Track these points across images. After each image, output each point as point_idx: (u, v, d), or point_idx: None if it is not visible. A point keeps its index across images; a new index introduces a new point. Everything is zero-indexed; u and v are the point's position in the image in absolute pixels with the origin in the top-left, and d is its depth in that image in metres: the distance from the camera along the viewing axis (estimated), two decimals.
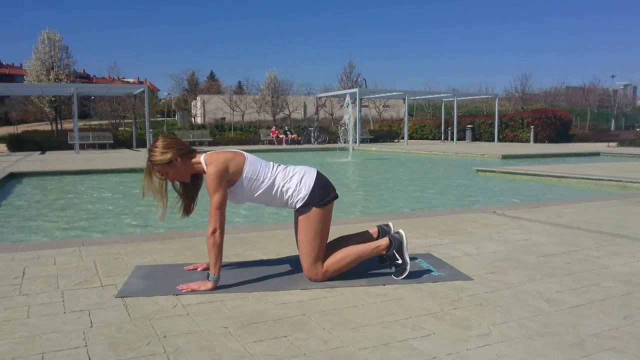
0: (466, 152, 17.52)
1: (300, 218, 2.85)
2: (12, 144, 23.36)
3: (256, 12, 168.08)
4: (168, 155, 2.76)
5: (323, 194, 2.85)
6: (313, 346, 2.02)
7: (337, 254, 2.86)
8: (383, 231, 3.13)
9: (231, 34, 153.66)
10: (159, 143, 2.81)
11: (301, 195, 2.82)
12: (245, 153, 2.90)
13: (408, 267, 2.87)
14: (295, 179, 2.85)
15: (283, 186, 2.84)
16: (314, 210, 2.81)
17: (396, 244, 2.88)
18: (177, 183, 2.94)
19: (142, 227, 5.70)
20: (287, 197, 2.85)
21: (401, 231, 2.94)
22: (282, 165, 2.94)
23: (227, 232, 2.86)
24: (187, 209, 2.98)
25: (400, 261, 2.87)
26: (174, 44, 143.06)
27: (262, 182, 2.82)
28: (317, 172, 2.94)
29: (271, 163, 2.93)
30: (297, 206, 2.85)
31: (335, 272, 2.85)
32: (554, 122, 27.86)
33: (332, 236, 3.03)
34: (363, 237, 3.12)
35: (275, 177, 2.85)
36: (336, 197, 2.93)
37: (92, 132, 26.58)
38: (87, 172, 11.92)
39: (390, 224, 3.18)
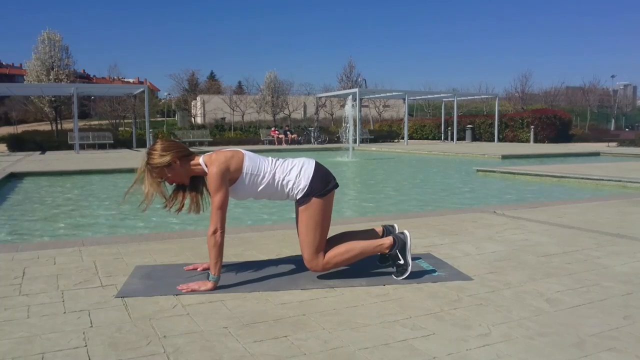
0: (466, 152, 17.51)
1: (301, 209, 2.85)
2: (12, 144, 23.35)
3: (256, 12, 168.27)
4: (167, 158, 2.76)
5: (323, 183, 2.85)
6: (313, 346, 2.02)
7: (340, 247, 2.86)
8: (388, 231, 3.14)
9: (231, 34, 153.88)
10: (158, 146, 2.81)
11: (301, 186, 2.83)
12: (243, 150, 2.91)
13: (409, 268, 2.87)
14: (294, 171, 2.86)
15: (283, 179, 2.85)
16: (315, 201, 2.82)
17: (400, 244, 2.88)
18: (169, 189, 2.93)
19: (145, 228, 5.70)
20: (287, 189, 2.86)
21: (406, 232, 2.95)
22: (280, 159, 2.95)
23: (227, 232, 2.86)
24: (183, 208, 2.97)
25: (402, 261, 2.87)
26: (174, 44, 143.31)
27: (263, 177, 2.83)
28: (316, 162, 2.95)
29: (270, 158, 2.95)
30: (298, 197, 2.85)
31: (336, 264, 2.85)
32: (554, 122, 27.85)
33: (336, 233, 3.03)
34: (368, 234, 3.12)
35: (275, 170, 2.86)
36: (336, 186, 2.94)
37: (92, 132, 26.55)
38: (87, 172, 11.92)
39: (396, 226, 3.18)
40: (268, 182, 2.84)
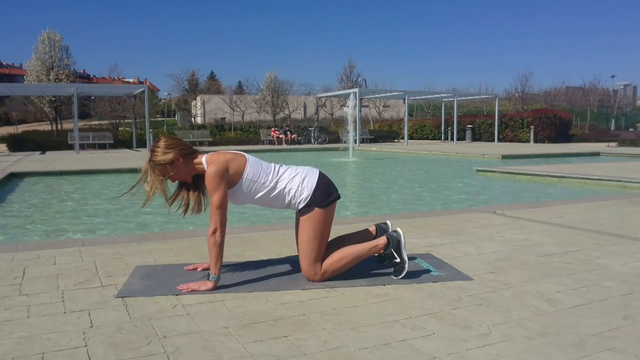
0: (466, 152, 17.51)
1: (302, 218, 2.84)
2: (12, 144, 23.36)
3: (256, 12, 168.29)
4: (170, 156, 2.76)
5: (325, 194, 2.84)
6: (313, 346, 2.02)
7: (335, 254, 2.86)
8: (381, 229, 3.13)
9: (231, 34, 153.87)
10: (161, 143, 2.81)
11: (303, 196, 2.82)
12: (246, 155, 2.89)
13: (406, 265, 2.86)
14: (297, 180, 2.85)
15: (285, 187, 2.84)
16: (316, 211, 2.81)
17: (394, 242, 2.88)
18: (170, 188, 2.93)
19: (144, 229, 5.70)
20: (289, 198, 2.85)
21: (399, 229, 2.94)
22: (284, 166, 2.93)
23: (228, 232, 2.86)
24: (188, 209, 2.97)
25: (398, 260, 2.87)
26: (174, 44, 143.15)
27: (263, 184, 2.82)
28: (320, 172, 2.93)
29: (272, 164, 2.92)
30: (300, 207, 2.84)
31: (334, 272, 2.85)
32: (554, 122, 27.86)
33: (331, 236, 3.03)
34: (361, 236, 3.12)
35: (277, 179, 2.84)
36: (338, 197, 2.93)
37: (92, 132, 26.54)
38: (87, 172, 11.92)
39: (389, 222, 3.17)
40: (268, 190, 2.83)
